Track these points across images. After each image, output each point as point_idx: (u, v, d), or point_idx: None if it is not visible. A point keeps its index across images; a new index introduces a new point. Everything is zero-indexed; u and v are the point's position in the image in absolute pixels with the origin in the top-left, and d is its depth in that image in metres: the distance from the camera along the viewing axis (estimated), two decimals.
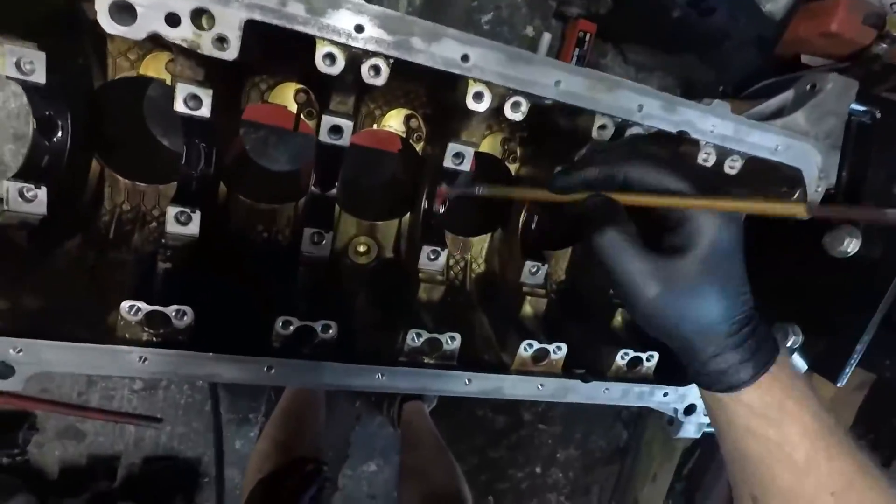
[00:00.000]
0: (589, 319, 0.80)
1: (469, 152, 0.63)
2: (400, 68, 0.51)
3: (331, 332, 0.59)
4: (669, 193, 0.43)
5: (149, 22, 0.43)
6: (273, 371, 0.58)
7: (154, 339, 0.55)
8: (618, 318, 0.79)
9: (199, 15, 0.44)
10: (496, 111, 0.58)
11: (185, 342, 0.55)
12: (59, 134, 0.58)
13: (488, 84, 0.53)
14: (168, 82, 0.65)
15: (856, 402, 1.98)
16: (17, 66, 0.50)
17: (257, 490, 1.12)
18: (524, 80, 0.53)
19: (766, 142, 0.63)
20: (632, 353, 0.73)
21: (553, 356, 0.69)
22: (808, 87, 0.67)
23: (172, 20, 0.43)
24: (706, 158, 0.64)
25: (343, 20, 0.47)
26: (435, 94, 0.70)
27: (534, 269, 0.74)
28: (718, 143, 0.62)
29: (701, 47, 1.73)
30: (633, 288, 0.43)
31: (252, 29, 0.45)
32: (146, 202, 0.69)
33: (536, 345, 0.68)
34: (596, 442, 2.59)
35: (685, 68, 1.87)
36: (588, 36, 1.74)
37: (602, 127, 0.59)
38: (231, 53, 0.45)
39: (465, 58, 0.51)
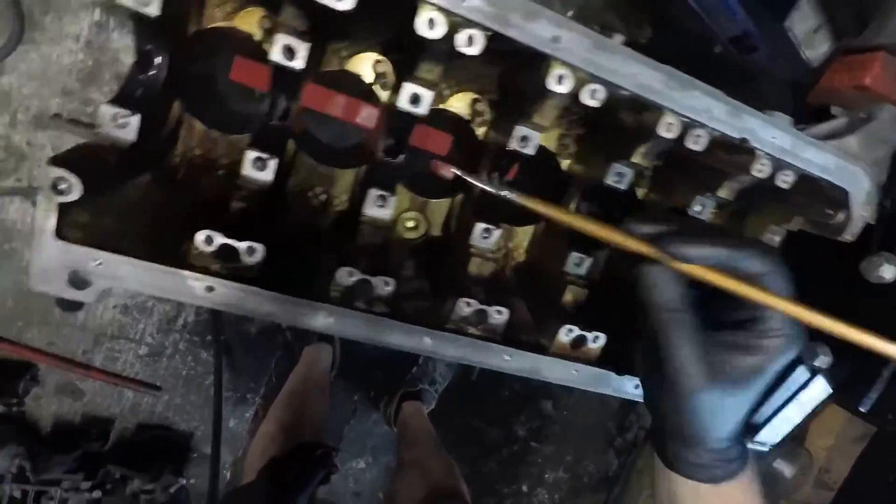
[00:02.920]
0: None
1: (535, 136, 0.65)
2: (489, 42, 0.54)
3: (388, 288, 0.61)
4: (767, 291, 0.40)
5: None
6: (331, 319, 0.59)
7: (223, 271, 0.57)
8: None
9: None
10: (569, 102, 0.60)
11: (253, 278, 0.57)
12: (155, 70, 0.61)
13: (572, 67, 0.56)
14: (257, 38, 0.68)
15: (854, 454, 1.98)
16: None
17: (265, 472, 1.12)
18: (607, 68, 0.56)
19: (820, 160, 0.66)
20: None
21: (591, 345, 0.71)
22: (863, 115, 0.70)
23: None
24: (761, 169, 0.67)
25: None
26: (512, 75, 0.72)
27: (578, 261, 0.76)
28: (776, 154, 0.65)
29: (736, 84, 1.77)
30: (677, 380, 0.41)
31: None
32: (218, 150, 0.72)
33: (577, 331, 0.70)
34: (586, 467, 2.58)
35: None
36: None
37: (669, 126, 0.61)
38: (347, 4, 0.48)
39: (556, 39, 0.54)
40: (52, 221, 0.51)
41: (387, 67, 0.73)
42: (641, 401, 0.73)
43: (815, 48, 1.77)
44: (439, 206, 0.82)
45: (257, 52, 0.68)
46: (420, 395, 2.06)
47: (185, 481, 1.97)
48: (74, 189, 0.50)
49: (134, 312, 1.75)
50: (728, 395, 0.41)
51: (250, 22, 0.68)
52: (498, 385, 2.30)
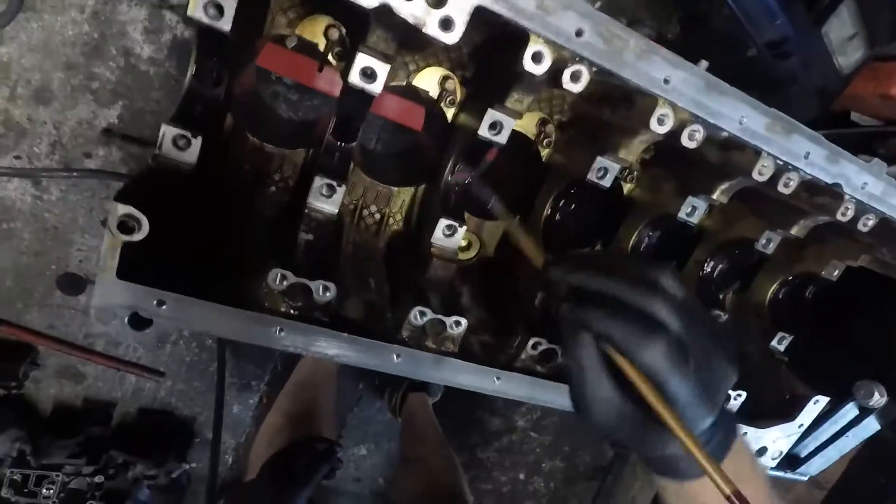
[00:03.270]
0: None
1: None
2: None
3: (460, 328, 0.58)
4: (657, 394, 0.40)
5: None
6: (402, 360, 0.56)
7: (292, 311, 0.53)
8: None
9: None
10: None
11: (322, 319, 0.54)
12: (216, 86, 0.55)
13: (675, 107, 0.52)
14: (321, 48, 0.63)
15: (848, 454, 2.03)
16: (205, 8, 0.48)
17: (269, 464, 1.11)
18: (714, 110, 0.52)
19: None
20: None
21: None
22: None
23: None
24: (845, 212, 0.64)
25: (568, 22, 0.45)
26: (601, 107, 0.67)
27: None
28: (865, 200, 0.62)
29: (765, 88, 1.74)
30: (589, 411, 0.43)
31: (477, 14, 0.44)
32: (270, 166, 0.67)
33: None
34: (582, 457, 2.63)
35: None
36: None
37: (763, 168, 0.58)
38: (454, 37, 0.44)
39: (667, 80, 0.50)
40: (115, 261, 0.46)
41: (455, 85, 0.68)
42: None
43: (848, 56, 1.74)
44: (496, 228, 0.78)
45: (322, 61, 0.63)
46: (426, 386, 2.05)
47: (187, 466, 1.96)
48: (142, 227, 0.45)
49: None
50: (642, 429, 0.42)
51: (314, 30, 0.62)
52: None
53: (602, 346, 0.41)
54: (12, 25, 1.31)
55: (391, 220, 0.74)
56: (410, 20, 0.43)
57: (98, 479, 1.78)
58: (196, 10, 0.48)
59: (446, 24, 0.43)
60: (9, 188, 1.46)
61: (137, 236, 0.45)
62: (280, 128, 0.67)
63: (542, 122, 0.74)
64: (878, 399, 0.75)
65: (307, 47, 0.64)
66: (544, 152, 0.76)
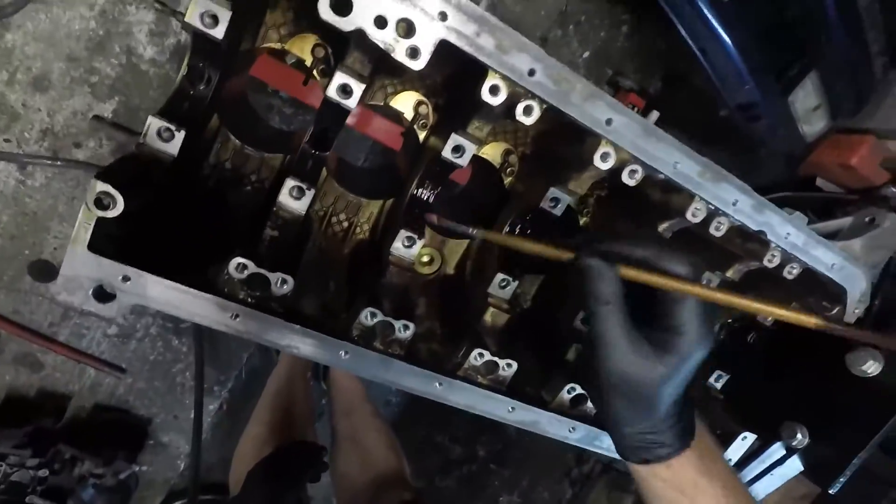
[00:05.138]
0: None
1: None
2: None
3: (408, 332, 0.62)
4: (681, 279, 0.46)
5: (359, 19, 0.47)
6: (347, 356, 0.60)
7: (249, 299, 0.57)
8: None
9: (403, 24, 0.48)
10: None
11: (278, 310, 0.57)
12: (204, 86, 0.60)
13: (617, 147, 0.58)
14: (308, 64, 0.68)
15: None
16: (202, 17, 0.53)
17: (258, 471, 1.10)
18: (650, 153, 0.58)
19: (826, 258, 0.70)
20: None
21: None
22: (868, 219, 0.75)
23: (381, 22, 0.47)
24: (771, 259, 0.70)
25: (522, 62, 0.51)
26: (557, 142, 0.73)
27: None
28: (788, 249, 0.68)
29: (736, 148, 1.85)
30: (606, 358, 0.47)
31: (442, 48, 0.49)
32: (248, 167, 0.71)
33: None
34: (540, 493, 2.62)
35: (714, 162, 1.99)
36: (635, 110, 1.83)
37: (696, 211, 0.64)
38: (419, 65, 0.49)
39: (609, 121, 0.56)
40: (87, 234, 0.50)
41: (428, 110, 0.74)
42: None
43: (813, 125, 1.86)
44: (457, 246, 0.83)
45: (307, 75, 0.68)
46: None
47: (137, 468, 1.92)
48: (116, 205, 0.49)
49: None
50: (647, 376, 0.46)
51: (303, 46, 0.68)
52: None
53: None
54: (21, 14, 1.35)
55: (358, 230, 0.78)
56: (382, 46, 0.48)
57: (42, 472, 1.72)
58: (193, 17, 0.53)
59: (413, 52, 0.49)
60: None
61: (111, 213, 0.49)
62: (261, 132, 0.72)
63: (507, 153, 0.80)
64: (801, 440, 0.80)
65: (297, 63, 0.70)
66: (507, 180, 0.82)
